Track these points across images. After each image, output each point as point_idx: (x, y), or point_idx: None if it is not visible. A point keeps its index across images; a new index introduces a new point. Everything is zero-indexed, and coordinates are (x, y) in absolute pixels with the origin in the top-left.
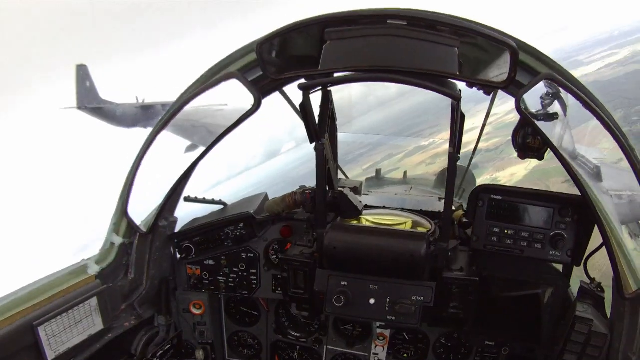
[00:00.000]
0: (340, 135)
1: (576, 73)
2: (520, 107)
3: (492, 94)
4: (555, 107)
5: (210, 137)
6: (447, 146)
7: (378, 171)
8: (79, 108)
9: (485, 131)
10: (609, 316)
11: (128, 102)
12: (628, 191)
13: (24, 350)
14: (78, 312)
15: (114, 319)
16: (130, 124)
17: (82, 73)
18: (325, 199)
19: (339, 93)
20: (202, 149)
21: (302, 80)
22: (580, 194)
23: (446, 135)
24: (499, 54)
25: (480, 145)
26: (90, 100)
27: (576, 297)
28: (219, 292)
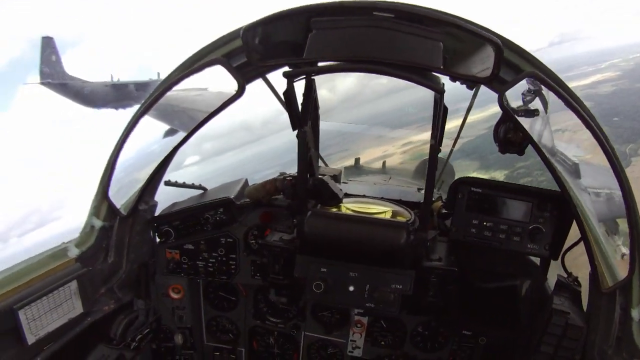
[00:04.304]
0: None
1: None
2: (502, 103)
3: (474, 89)
4: (537, 103)
5: (190, 122)
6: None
7: (357, 160)
8: (42, 83)
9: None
10: (585, 310)
11: (98, 80)
12: (606, 189)
13: (4, 334)
14: (58, 296)
15: (94, 303)
16: (99, 104)
17: (48, 45)
18: (306, 186)
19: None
20: (181, 134)
21: (287, 68)
22: (559, 190)
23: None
24: (480, 48)
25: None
26: (55, 76)
27: (553, 290)
28: (198, 277)
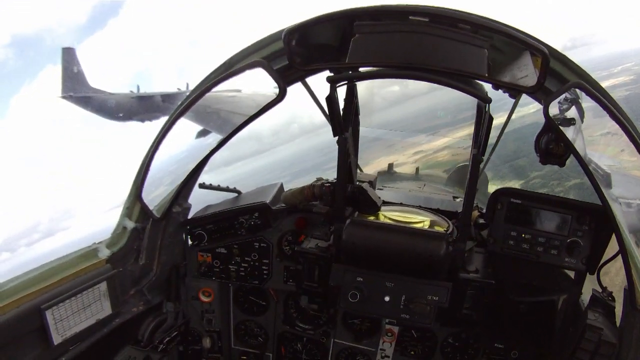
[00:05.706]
0: None
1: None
2: (547, 113)
3: (516, 98)
4: (573, 112)
5: (224, 124)
6: None
7: (390, 165)
8: (64, 97)
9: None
10: (618, 326)
11: (123, 92)
12: (638, 200)
13: (30, 333)
14: (87, 296)
15: (123, 304)
16: (124, 116)
17: (69, 57)
18: (345, 193)
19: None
20: (214, 135)
21: (328, 72)
22: (600, 203)
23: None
24: (517, 58)
25: None
26: (77, 88)
27: (587, 305)
28: (229, 281)
